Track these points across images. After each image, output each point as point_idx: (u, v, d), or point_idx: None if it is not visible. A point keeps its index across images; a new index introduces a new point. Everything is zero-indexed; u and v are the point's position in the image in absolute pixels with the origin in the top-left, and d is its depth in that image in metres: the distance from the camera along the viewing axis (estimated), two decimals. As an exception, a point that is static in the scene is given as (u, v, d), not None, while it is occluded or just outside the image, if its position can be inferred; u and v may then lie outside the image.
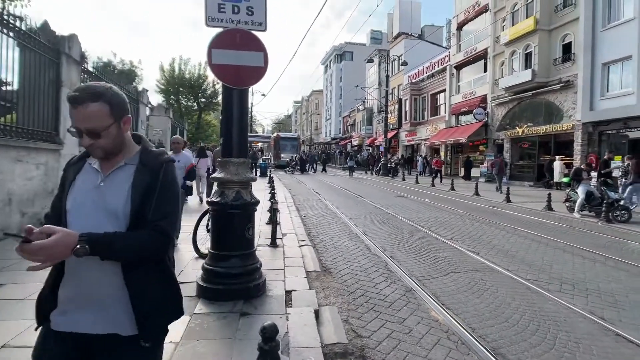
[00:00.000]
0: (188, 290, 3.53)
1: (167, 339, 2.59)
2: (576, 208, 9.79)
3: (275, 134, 38.31)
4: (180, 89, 33.71)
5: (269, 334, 2.02)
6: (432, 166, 23.43)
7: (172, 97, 33.88)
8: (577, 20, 16.49)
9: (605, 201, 9.13)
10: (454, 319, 3.40)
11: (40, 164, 6.04)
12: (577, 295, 4.16)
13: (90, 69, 8.63)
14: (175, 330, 2.79)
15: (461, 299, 3.96)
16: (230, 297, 3.30)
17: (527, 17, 18.57)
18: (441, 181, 19.75)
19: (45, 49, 6.16)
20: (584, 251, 6.12)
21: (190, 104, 35.90)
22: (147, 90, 12.36)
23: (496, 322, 3.43)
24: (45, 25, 6.34)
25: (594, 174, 11.47)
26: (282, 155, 30.65)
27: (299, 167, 28.36)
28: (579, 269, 5.13)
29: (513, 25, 19.47)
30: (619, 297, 4.15)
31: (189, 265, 4.38)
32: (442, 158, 25.74)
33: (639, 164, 10.28)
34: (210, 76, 32.65)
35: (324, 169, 30.63)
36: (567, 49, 17.29)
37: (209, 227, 4.04)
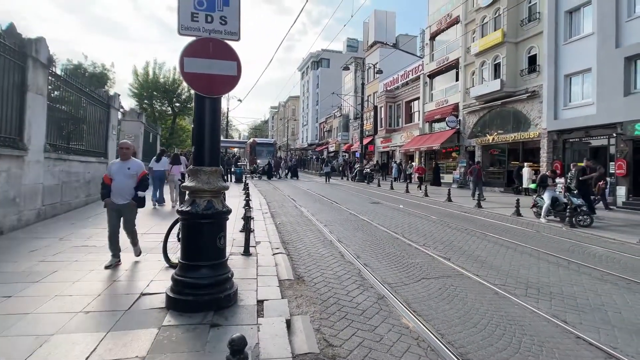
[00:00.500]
0: (157, 302, 3.45)
1: (132, 354, 2.55)
2: (542, 213, 10.24)
3: (251, 140, 37.57)
4: (154, 93, 32.83)
5: (237, 347, 2.00)
6: (413, 173, 23.69)
7: (145, 101, 32.95)
8: (541, 34, 17.42)
9: (569, 207, 9.60)
10: (424, 326, 3.46)
11: (2, 171, 5.75)
12: (542, 299, 4.33)
13: (59, 72, 8.33)
14: (142, 343, 2.72)
15: (432, 305, 4.04)
16: (201, 308, 3.24)
17: (495, 30, 19.42)
18: (420, 187, 19.07)
19: (10, 52, 5.91)
20: (549, 255, 6.39)
21: (164, 108, 35.01)
22: (119, 95, 12.01)
23: (465, 328, 3.52)
24: (11, 28, 6.10)
25: (559, 180, 12.07)
26: (258, 161, 29.79)
27: (268, 173, 27.32)
28: (544, 273, 5.35)
29: (482, 37, 20.30)
30: (580, 300, 4.35)
31: (158, 275, 4.26)
32: (417, 164, 26.31)
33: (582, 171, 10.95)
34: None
35: (293, 175, 29.21)
36: (532, 60, 18.18)
37: (180, 236, 3.95)
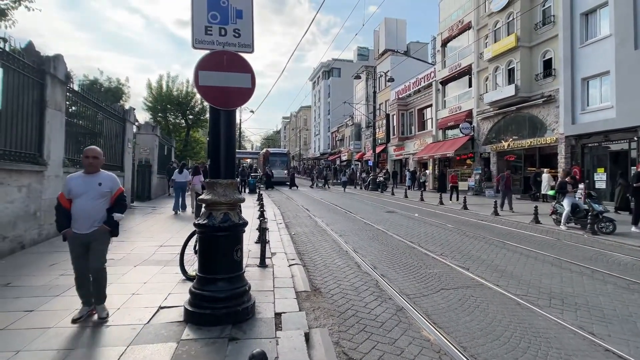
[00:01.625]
0: (175, 315, 3.46)
1: (152, 370, 2.54)
2: (562, 220, 9.95)
3: (264, 150, 37.64)
4: (168, 106, 33.53)
5: (258, 363, 1.98)
6: (448, 182, 20.90)
7: (159, 114, 33.65)
8: (556, 37, 17.14)
9: (590, 213, 9.31)
10: (446, 338, 3.37)
11: (23, 186, 5.91)
12: (567, 310, 4.18)
13: (76, 88, 8.58)
14: (162, 357, 2.72)
15: (452, 316, 3.93)
16: (219, 321, 3.23)
17: (508, 35, 19.23)
18: (457, 199, 16.88)
19: (29, 70, 6.11)
20: (572, 264, 6.19)
21: (178, 121, 35.69)
22: (134, 109, 12.30)
23: (487, 340, 3.41)
24: (29, 46, 6.31)
25: (581, 186, 11.75)
26: (272, 171, 29.31)
27: (267, 183, 26.60)
28: (567, 283, 5.17)
29: (495, 42, 20.12)
30: (607, 311, 4.19)
31: (176, 288, 4.27)
32: (430, 171, 26.00)
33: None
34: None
35: (292, 185, 28.15)
36: (548, 64, 17.89)
37: (197, 248, 3.97)
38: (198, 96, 33.08)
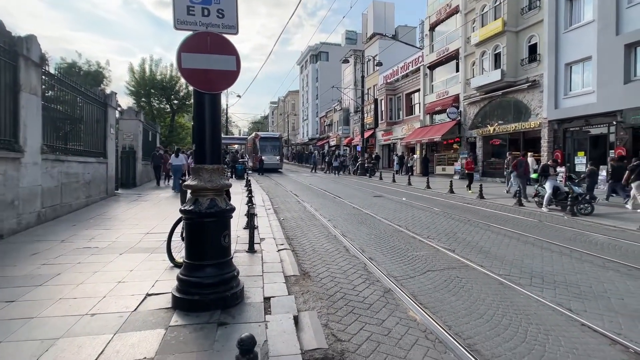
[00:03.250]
0: (163, 302, 3.44)
1: (141, 355, 2.55)
2: (544, 203, 10.24)
3: (253, 134, 34.33)
4: (152, 90, 32.66)
5: (247, 346, 1.99)
6: (463, 168, 19.18)
7: (143, 99, 32.81)
8: (541, 22, 17.25)
9: (570, 195, 9.59)
10: (431, 318, 3.46)
11: (-1, 174, 5.71)
12: (546, 288, 4.33)
13: (53, 71, 8.25)
14: (150, 344, 2.71)
15: (438, 297, 4.04)
16: (207, 307, 3.23)
17: (495, 19, 19.24)
18: (470, 187, 15.28)
19: (1, 51, 5.82)
20: (552, 244, 6.39)
21: (162, 106, 34.87)
22: (115, 93, 11.90)
23: (471, 319, 3.52)
24: (-1, 27, 6.00)
25: (560, 169, 12.09)
26: (262, 157, 27.30)
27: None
28: (548, 262, 5.35)
29: (483, 26, 20.11)
30: (583, 288, 4.36)
31: (163, 275, 4.24)
32: (418, 156, 26.22)
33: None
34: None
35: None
36: (533, 49, 18.04)
37: (183, 235, 3.93)
38: (183, 80, 32.33)
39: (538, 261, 5.42)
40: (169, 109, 34.93)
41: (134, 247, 5.49)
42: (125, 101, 33.58)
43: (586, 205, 9.44)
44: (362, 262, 5.28)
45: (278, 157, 28.82)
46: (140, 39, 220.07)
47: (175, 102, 34.13)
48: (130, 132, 14.95)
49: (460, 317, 3.55)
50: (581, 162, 15.84)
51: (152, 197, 11.66)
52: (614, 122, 14.13)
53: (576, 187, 9.77)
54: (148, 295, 3.64)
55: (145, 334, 2.86)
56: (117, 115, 13.63)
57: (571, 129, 16.40)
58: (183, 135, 38.17)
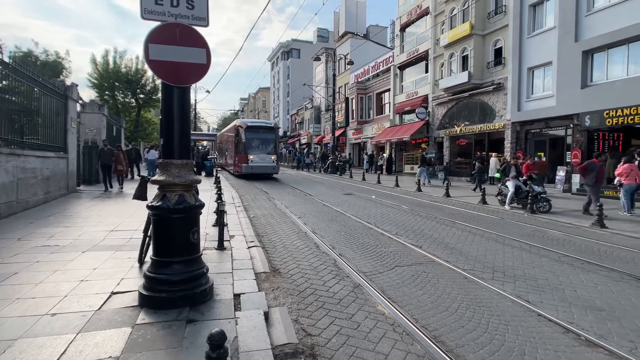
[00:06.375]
0: (129, 300, 3.34)
1: (106, 354, 2.46)
2: (507, 201, 10.74)
3: (235, 122, 22.77)
4: (116, 83, 31.18)
5: (217, 342, 1.97)
6: (523, 173, 14.75)
7: (107, 92, 31.23)
8: (507, 27, 18.02)
9: (530, 194, 10.13)
10: (399, 312, 3.57)
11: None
12: (507, 282, 4.57)
13: (7, 59, 7.73)
14: (115, 343, 2.62)
15: (406, 291, 4.16)
16: (175, 304, 3.16)
17: (463, 22, 19.90)
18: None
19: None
20: (513, 241, 6.74)
21: (127, 100, 33.39)
22: (77, 85, 11.29)
23: (437, 312, 3.65)
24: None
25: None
26: (250, 157, 18.79)
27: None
28: (509, 258, 5.64)
29: (451, 29, 20.75)
30: (540, 281, 4.63)
31: (130, 272, 4.10)
32: (387, 155, 26.71)
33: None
34: (149, 71, 30.63)
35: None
36: (498, 53, 18.83)
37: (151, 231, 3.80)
38: (149, 74, 31.16)
39: (500, 256, 5.70)
40: (134, 104, 33.50)
41: (97, 244, 5.27)
42: (88, 94, 32.05)
43: (544, 203, 10.00)
44: (332, 258, 5.34)
45: (274, 158, 19.81)
46: (101, 29, 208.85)
47: (142, 96, 32.77)
48: (93, 127, 14.25)
49: (426, 310, 3.68)
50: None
51: (116, 194, 11.19)
52: (571, 125, 15.03)
53: (536, 186, 10.33)
54: (113, 293, 3.51)
55: (111, 332, 2.77)
56: (79, 108, 12.97)
57: (532, 131, 17.30)
58: (150, 131, 36.77)
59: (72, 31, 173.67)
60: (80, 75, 67.97)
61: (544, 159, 16.55)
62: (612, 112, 13.19)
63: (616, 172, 9.83)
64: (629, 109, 12.71)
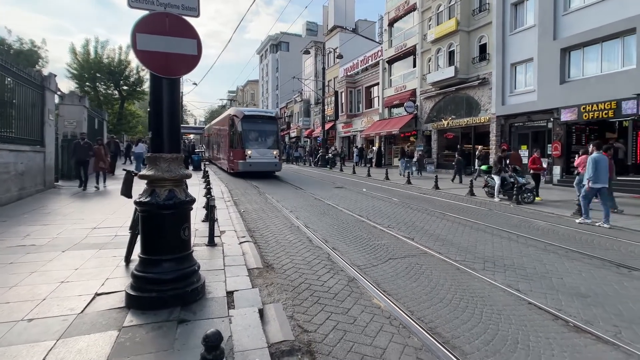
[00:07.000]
0: (115, 302, 3.20)
1: (91, 360, 2.33)
2: (495, 193, 10.92)
3: (230, 111, 19.25)
4: (98, 74, 30.24)
5: (213, 343, 1.90)
6: (529, 169, 12.35)
7: (87, 84, 30.30)
8: (490, 24, 18.28)
9: (515, 186, 10.32)
10: (395, 305, 3.56)
11: None
12: (497, 272, 4.62)
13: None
14: (101, 348, 2.48)
15: (400, 284, 4.15)
16: (166, 304, 3.05)
17: (449, 18, 20.02)
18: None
19: None
20: (501, 231, 6.84)
21: (110, 92, 32.46)
22: (55, 75, 10.84)
23: (432, 304, 3.66)
24: None
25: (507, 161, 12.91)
26: (248, 152, 16.22)
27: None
28: (498, 248, 5.71)
29: (438, 24, 20.86)
30: (529, 270, 4.72)
31: (114, 272, 3.95)
32: (376, 148, 26.78)
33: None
34: (134, 62, 29.76)
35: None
36: (483, 49, 19.05)
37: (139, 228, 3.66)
38: (133, 65, 30.35)
39: (489, 247, 5.77)
40: (117, 95, 32.62)
41: (79, 243, 5.06)
42: (67, 85, 30.90)
43: (529, 194, 10.21)
44: (326, 252, 5.30)
45: (275, 153, 17.13)
46: (80, 19, 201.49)
47: (125, 88, 31.90)
48: (73, 119, 13.78)
49: (421, 302, 3.68)
50: (524, 155, 17.11)
51: (99, 189, 10.86)
52: (552, 119, 15.38)
53: (520, 178, 10.52)
54: (97, 294, 3.36)
55: (95, 337, 2.62)
56: (57, 100, 12.47)
57: (516, 124, 17.61)
58: (134, 124, 35.93)
59: (49, 20, 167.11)
60: (57, 65, 65.54)
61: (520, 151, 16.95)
62: (589, 106, 13.63)
63: (575, 164, 9.97)
64: (603, 104, 13.16)
